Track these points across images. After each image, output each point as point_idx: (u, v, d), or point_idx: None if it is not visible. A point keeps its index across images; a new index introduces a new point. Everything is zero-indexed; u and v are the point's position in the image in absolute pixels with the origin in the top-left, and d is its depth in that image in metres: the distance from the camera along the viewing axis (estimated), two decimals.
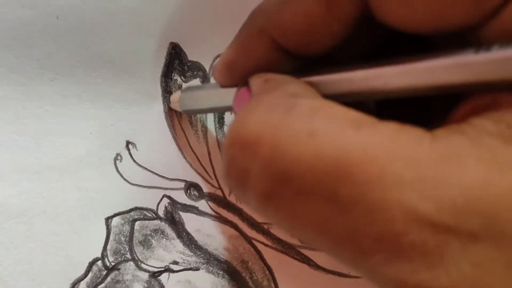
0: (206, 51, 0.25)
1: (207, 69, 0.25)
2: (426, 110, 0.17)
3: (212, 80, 0.26)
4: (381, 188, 0.11)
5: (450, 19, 0.13)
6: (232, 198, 0.25)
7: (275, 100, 0.14)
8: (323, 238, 0.13)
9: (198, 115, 0.25)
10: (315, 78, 0.16)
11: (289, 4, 0.16)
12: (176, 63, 0.25)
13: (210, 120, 0.25)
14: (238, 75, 0.18)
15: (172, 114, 0.25)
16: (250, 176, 0.13)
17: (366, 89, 0.15)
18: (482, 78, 0.13)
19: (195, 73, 0.25)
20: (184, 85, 0.25)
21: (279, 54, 0.17)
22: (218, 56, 0.25)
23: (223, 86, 0.20)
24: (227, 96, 0.19)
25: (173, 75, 0.25)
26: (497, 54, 0.12)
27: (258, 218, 0.25)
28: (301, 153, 0.12)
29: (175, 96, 0.24)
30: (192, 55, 0.25)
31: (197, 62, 0.25)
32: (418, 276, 0.11)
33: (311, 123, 0.13)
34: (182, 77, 0.25)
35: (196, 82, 0.25)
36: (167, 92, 0.25)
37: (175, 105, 0.24)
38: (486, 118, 0.12)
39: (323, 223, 0.12)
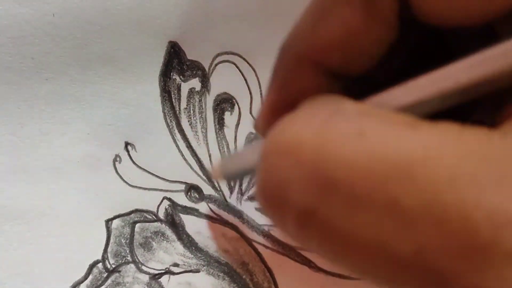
0: (205, 50, 0.25)
1: (206, 69, 0.25)
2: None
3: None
4: (454, 191, 0.09)
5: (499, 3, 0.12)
6: (232, 200, 0.25)
7: (317, 107, 0.12)
8: (380, 262, 0.10)
9: (198, 117, 0.25)
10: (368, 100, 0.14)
11: (323, 19, 0.14)
12: (175, 62, 0.25)
13: (210, 121, 0.25)
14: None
15: (171, 114, 0.25)
16: (291, 187, 0.11)
17: (435, 93, 0.13)
18: None
19: (194, 72, 0.25)
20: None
21: (325, 79, 0.15)
22: (217, 55, 0.25)
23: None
24: None
25: (172, 74, 0.25)
26: None
27: (259, 220, 0.25)
28: (350, 155, 0.10)
29: (217, 174, 0.21)
30: (191, 54, 0.25)
31: (196, 61, 0.25)
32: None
33: (360, 123, 0.11)
34: (181, 76, 0.25)
35: (195, 81, 0.25)
36: (165, 91, 0.25)
37: (217, 176, 0.22)
38: None
39: (381, 243, 0.10)
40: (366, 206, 0.10)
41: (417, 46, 0.16)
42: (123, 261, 0.24)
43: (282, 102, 0.16)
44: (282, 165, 0.12)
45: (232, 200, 0.25)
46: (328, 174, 0.11)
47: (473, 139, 0.10)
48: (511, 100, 0.12)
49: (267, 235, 0.25)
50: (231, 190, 0.25)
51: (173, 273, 0.24)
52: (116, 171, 0.24)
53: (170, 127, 0.25)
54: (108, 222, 0.24)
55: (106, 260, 0.24)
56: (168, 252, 0.24)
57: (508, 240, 0.09)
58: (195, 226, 0.25)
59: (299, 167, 0.11)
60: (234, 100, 0.25)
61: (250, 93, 0.25)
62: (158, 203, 0.25)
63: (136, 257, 0.24)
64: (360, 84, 0.16)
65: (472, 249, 0.09)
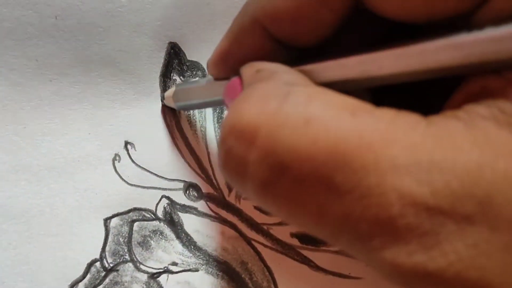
0: (205, 51, 0.25)
1: (206, 69, 0.25)
2: (423, 101, 0.17)
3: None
4: (376, 173, 0.12)
5: (443, 6, 0.14)
6: (231, 199, 0.25)
7: (269, 89, 0.14)
8: (321, 225, 0.13)
9: (197, 116, 0.25)
10: (308, 67, 0.16)
11: None
12: (175, 63, 0.25)
13: (209, 120, 0.25)
14: (231, 66, 0.18)
15: (170, 114, 0.25)
16: (248, 166, 0.13)
17: (360, 75, 0.15)
18: (476, 58, 0.13)
19: (194, 72, 0.25)
20: (177, 82, 0.25)
21: (272, 44, 0.17)
22: None
23: (216, 78, 0.20)
24: (220, 89, 0.19)
25: (172, 75, 0.25)
26: (490, 32, 0.12)
27: (258, 218, 0.25)
28: (297, 142, 0.12)
29: (169, 93, 0.24)
30: (191, 55, 0.25)
31: (196, 62, 0.25)
32: (414, 258, 0.11)
33: (307, 111, 0.13)
34: (181, 77, 0.25)
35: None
36: (165, 91, 0.25)
37: (169, 102, 0.25)
38: (479, 103, 0.12)
39: (320, 210, 0.12)
40: (309, 183, 0.12)
41: (369, 29, 0.18)
42: (121, 260, 0.24)
43: (231, 52, 0.18)
44: (240, 148, 0.13)
45: (231, 198, 0.25)
46: (279, 158, 0.13)
47: (401, 126, 0.12)
48: (456, 93, 0.14)
49: (266, 234, 0.25)
50: (230, 188, 0.25)
51: (172, 272, 0.24)
52: (115, 170, 0.25)
53: (170, 126, 0.25)
54: (107, 220, 0.24)
55: (104, 259, 0.24)
56: (166, 251, 0.24)
57: (409, 215, 0.11)
58: (193, 225, 0.25)
59: (255, 150, 0.13)
60: None
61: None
62: (157, 202, 0.25)
63: (135, 256, 0.24)
64: (316, 54, 0.17)
65: (385, 219, 0.11)
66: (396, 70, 0.14)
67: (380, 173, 0.11)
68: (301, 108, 0.13)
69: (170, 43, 0.25)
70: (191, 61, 0.25)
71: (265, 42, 0.17)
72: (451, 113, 0.12)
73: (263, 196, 0.14)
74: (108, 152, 0.25)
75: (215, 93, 0.20)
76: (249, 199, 0.14)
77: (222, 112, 0.26)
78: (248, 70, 0.17)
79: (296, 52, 0.18)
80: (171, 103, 0.24)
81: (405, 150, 0.12)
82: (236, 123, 0.14)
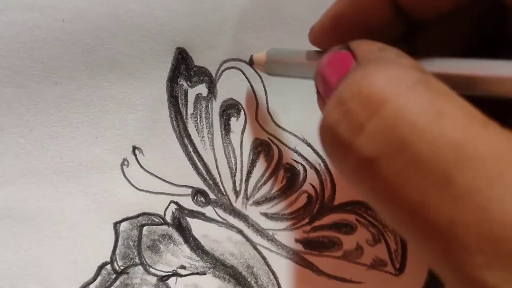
0: (213, 56, 0.26)
1: (213, 75, 0.26)
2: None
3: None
4: (501, 187, 0.11)
5: None
6: (238, 205, 0.26)
7: (400, 70, 0.13)
8: (417, 220, 0.12)
9: (204, 122, 0.26)
10: (437, 65, 0.16)
11: None
12: (183, 68, 0.25)
13: (216, 126, 0.26)
14: (342, 32, 0.17)
15: (178, 119, 0.25)
16: (362, 133, 0.13)
17: (488, 93, 0.15)
18: None
19: (201, 78, 0.26)
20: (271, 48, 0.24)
21: (392, 12, 0.17)
22: (224, 61, 0.26)
23: (320, 49, 0.18)
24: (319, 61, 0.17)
25: (179, 80, 0.25)
26: None
27: (264, 224, 0.26)
28: (426, 129, 0.12)
29: (260, 57, 0.23)
30: (198, 61, 0.26)
31: (203, 67, 0.26)
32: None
33: (440, 103, 0.12)
34: (188, 82, 0.26)
35: (202, 87, 0.26)
36: (173, 97, 0.25)
37: (259, 67, 0.24)
38: None
39: (424, 204, 0.12)
40: (423, 173, 0.12)
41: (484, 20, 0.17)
42: (131, 263, 0.25)
43: (346, 16, 0.17)
44: (362, 113, 0.13)
45: (238, 204, 0.26)
46: (402, 135, 0.12)
47: None
48: None
49: (271, 239, 0.26)
50: (237, 195, 0.26)
51: (180, 275, 0.25)
52: (124, 175, 0.25)
53: (177, 132, 0.26)
54: (116, 224, 0.25)
55: (115, 262, 0.25)
56: (175, 255, 0.25)
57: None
58: (201, 230, 0.26)
59: (378, 119, 0.13)
60: (240, 106, 0.26)
61: (256, 99, 0.26)
62: (165, 207, 0.25)
63: (144, 259, 0.25)
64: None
65: (499, 239, 0.11)
66: None
67: (505, 189, 0.11)
68: (435, 98, 0.13)
69: (178, 48, 0.25)
70: (199, 66, 0.26)
71: (385, 8, 0.16)
72: None
73: (363, 171, 0.13)
74: (116, 156, 0.25)
75: (313, 66, 0.18)
76: (341, 168, 0.14)
77: (229, 119, 0.26)
78: (367, 46, 0.16)
79: (409, 27, 0.17)
80: (261, 69, 0.24)
81: None
82: (364, 87, 0.13)
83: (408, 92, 0.13)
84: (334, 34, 0.18)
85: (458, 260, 0.11)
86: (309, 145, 0.27)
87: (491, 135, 0.12)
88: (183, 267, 0.25)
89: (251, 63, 0.25)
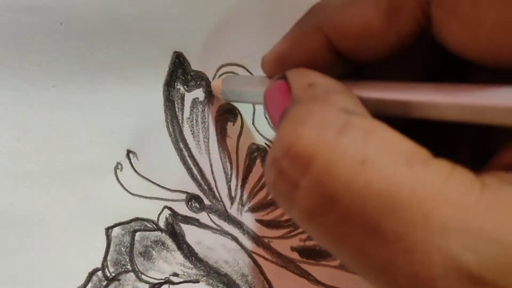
0: (210, 61, 0.26)
1: (210, 79, 0.26)
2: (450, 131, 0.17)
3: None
4: (424, 230, 0.12)
5: None
6: (233, 211, 0.26)
7: (326, 116, 0.14)
8: (360, 264, 0.13)
9: (200, 127, 0.26)
10: (366, 93, 0.16)
11: (350, 7, 0.16)
12: (180, 72, 0.25)
13: (212, 131, 0.26)
14: (286, 67, 0.18)
15: (174, 123, 0.25)
16: (298, 190, 0.14)
17: (419, 115, 0.15)
18: None
19: (198, 82, 0.26)
20: (226, 75, 0.25)
21: (332, 55, 0.17)
22: (221, 66, 0.26)
23: (268, 77, 0.20)
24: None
25: (176, 84, 0.25)
26: None
27: (259, 232, 0.26)
28: (351, 180, 0.13)
29: (217, 82, 0.24)
30: (195, 65, 0.26)
31: (200, 71, 0.26)
32: None
33: (365, 150, 0.13)
34: (185, 86, 0.25)
35: (199, 92, 0.26)
36: (169, 101, 0.25)
37: (216, 92, 0.25)
38: None
39: (362, 250, 0.13)
40: (355, 222, 0.13)
41: (429, 57, 0.18)
42: (122, 270, 0.24)
43: (289, 54, 0.19)
44: (293, 171, 0.14)
45: (233, 211, 0.26)
46: (331, 191, 0.13)
47: (456, 186, 0.12)
48: (500, 147, 0.14)
49: (267, 247, 0.25)
50: (232, 201, 0.26)
51: (173, 283, 0.25)
52: (117, 179, 0.25)
53: (173, 136, 0.25)
54: (108, 230, 0.24)
55: (106, 268, 0.24)
56: (168, 262, 0.25)
57: (451, 280, 0.11)
58: (195, 236, 0.25)
59: (308, 177, 0.13)
60: (236, 111, 0.26)
61: (253, 104, 0.26)
62: (159, 212, 0.25)
63: (136, 266, 0.24)
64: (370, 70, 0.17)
65: (426, 278, 0.12)
66: (458, 119, 0.14)
67: (428, 231, 0.12)
68: (358, 145, 0.13)
69: (175, 52, 0.25)
70: (196, 71, 0.25)
71: (325, 52, 0.17)
72: (506, 176, 0.13)
73: (308, 223, 0.14)
74: (110, 161, 0.25)
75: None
76: (291, 217, 0.15)
77: (225, 124, 0.26)
78: (298, 79, 0.17)
79: (353, 66, 0.18)
80: (218, 94, 0.25)
81: (457, 213, 0.12)
82: (292, 145, 0.14)
83: (333, 142, 0.13)
84: (279, 68, 0.19)
85: None
86: None
87: (416, 174, 0.12)
88: (176, 274, 0.25)
89: (209, 88, 0.26)
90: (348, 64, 0.18)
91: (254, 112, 0.26)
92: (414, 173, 0.12)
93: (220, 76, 0.26)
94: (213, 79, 0.26)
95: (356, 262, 0.13)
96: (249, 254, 0.25)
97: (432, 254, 0.12)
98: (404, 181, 0.12)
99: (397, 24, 0.16)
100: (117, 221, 0.25)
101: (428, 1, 0.15)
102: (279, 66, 0.19)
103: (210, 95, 0.26)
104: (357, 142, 0.13)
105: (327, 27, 0.17)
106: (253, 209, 0.26)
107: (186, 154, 0.25)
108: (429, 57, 0.18)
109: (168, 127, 0.25)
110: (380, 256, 0.12)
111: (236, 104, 0.26)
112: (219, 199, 0.26)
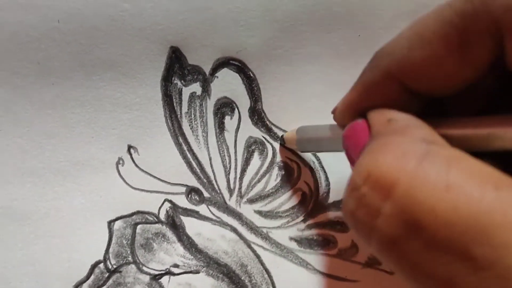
0: (206, 55, 0.26)
1: (207, 73, 0.26)
2: None
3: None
4: None
5: None
6: (232, 203, 0.26)
7: (407, 145, 0.14)
8: None
9: (199, 121, 0.26)
10: (444, 129, 0.16)
11: (419, 48, 0.16)
12: (176, 67, 0.26)
13: (210, 125, 0.26)
14: (359, 115, 0.19)
15: (173, 118, 0.26)
16: (379, 217, 0.13)
17: (500, 147, 0.15)
18: None
19: (195, 77, 0.26)
20: (299, 126, 0.25)
21: (405, 96, 0.17)
22: (218, 59, 0.26)
23: (341, 126, 0.20)
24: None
25: (173, 79, 0.26)
26: None
27: (258, 222, 0.26)
28: (437, 205, 0.12)
29: (291, 134, 0.25)
30: (192, 59, 0.26)
31: (197, 66, 0.26)
32: None
33: (448, 175, 0.13)
34: (182, 81, 0.26)
35: (196, 86, 0.26)
36: (167, 96, 0.26)
37: (290, 144, 0.26)
38: None
39: (449, 280, 0.12)
40: (443, 250, 0.12)
41: (502, 87, 0.18)
42: (124, 262, 0.25)
43: (360, 103, 0.19)
44: (374, 197, 0.14)
45: (232, 202, 0.26)
46: (415, 217, 0.13)
47: None
48: None
49: (265, 237, 0.26)
50: (231, 193, 0.26)
51: (173, 274, 0.25)
52: (119, 174, 0.25)
53: (172, 130, 0.26)
54: (110, 223, 0.25)
55: (108, 261, 0.25)
56: (168, 253, 0.25)
57: None
58: (195, 228, 0.26)
59: (391, 203, 0.13)
60: (234, 105, 0.26)
61: (250, 97, 0.26)
62: (159, 205, 0.26)
63: (137, 257, 0.25)
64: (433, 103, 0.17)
65: None
66: None
67: None
68: (442, 171, 0.13)
69: (172, 47, 0.25)
70: (192, 65, 0.26)
71: (397, 94, 0.17)
72: None
73: (388, 251, 0.13)
74: (112, 156, 0.25)
75: (339, 139, 0.20)
76: (369, 247, 0.15)
77: (223, 117, 0.26)
78: (378, 117, 0.17)
79: (428, 101, 0.18)
80: (293, 147, 0.26)
81: None
82: (373, 171, 0.14)
83: (416, 169, 0.13)
84: (352, 116, 0.19)
85: None
86: None
87: (505, 197, 0.12)
88: (176, 265, 0.25)
89: (282, 142, 0.26)
90: (422, 100, 0.18)
91: (251, 106, 0.26)
92: (504, 198, 0.12)
93: (216, 70, 0.26)
94: (209, 74, 0.26)
95: None
96: (248, 244, 0.26)
97: None
98: (494, 205, 0.12)
99: (470, 58, 0.15)
100: (119, 215, 0.25)
101: (501, 33, 0.15)
102: (352, 116, 0.19)
103: (207, 88, 0.26)
104: (440, 169, 0.13)
105: (399, 72, 0.17)
106: (251, 201, 0.26)
107: (185, 148, 0.26)
108: (500, 85, 0.18)
109: (167, 122, 0.26)
110: (472, 284, 0.12)
111: (233, 98, 0.26)
112: (218, 191, 0.26)
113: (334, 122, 0.21)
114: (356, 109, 0.19)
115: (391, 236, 0.13)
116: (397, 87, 0.17)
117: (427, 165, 0.13)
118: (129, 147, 0.26)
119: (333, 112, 0.21)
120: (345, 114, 0.19)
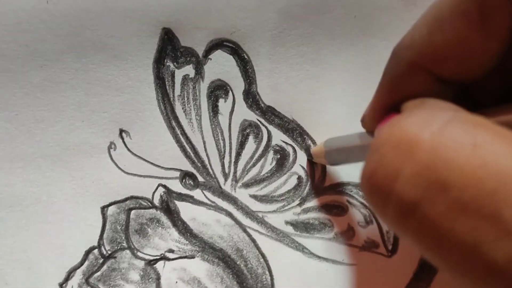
0: (199, 37, 0.25)
1: (200, 55, 0.25)
2: None
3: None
4: None
5: None
6: (227, 187, 0.26)
7: (433, 111, 0.13)
8: (473, 263, 0.12)
9: (192, 104, 0.26)
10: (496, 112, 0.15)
11: (440, 31, 0.16)
12: (169, 49, 0.25)
13: (204, 108, 0.26)
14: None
15: (165, 101, 0.25)
16: (400, 178, 0.13)
17: None
18: None
19: (188, 59, 0.25)
20: (326, 139, 0.25)
21: (436, 85, 0.17)
22: (211, 41, 0.25)
23: (372, 133, 0.20)
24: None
25: (165, 61, 0.25)
26: None
27: (253, 207, 0.26)
28: (463, 163, 0.12)
29: (319, 147, 0.25)
30: (185, 41, 0.25)
31: (190, 48, 0.25)
32: None
33: (475, 135, 0.12)
34: (174, 63, 0.25)
35: (189, 68, 0.25)
36: (159, 78, 0.25)
37: (319, 157, 0.25)
38: None
39: (475, 247, 0.11)
40: (470, 212, 0.11)
41: None
42: (118, 247, 0.25)
43: (390, 103, 0.18)
44: (396, 158, 0.13)
45: (227, 187, 0.26)
46: (440, 176, 0.12)
47: None
48: None
49: (261, 222, 0.26)
50: (226, 177, 0.26)
51: (168, 259, 0.25)
52: (111, 158, 0.25)
53: (164, 114, 0.25)
54: (104, 208, 0.25)
55: (102, 246, 0.25)
56: (163, 238, 0.25)
57: None
58: (190, 213, 0.25)
59: (413, 163, 0.12)
60: (228, 87, 0.26)
61: (244, 80, 0.26)
62: (153, 190, 0.25)
63: (132, 243, 0.25)
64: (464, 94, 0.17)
65: None
66: None
67: None
68: (468, 130, 0.12)
69: (164, 28, 0.25)
70: (185, 47, 0.25)
71: (427, 85, 0.17)
72: None
73: (406, 218, 0.13)
74: (103, 140, 0.25)
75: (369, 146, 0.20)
76: (384, 218, 0.14)
77: (217, 100, 0.26)
78: (410, 103, 0.17)
79: (458, 89, 0.17)
80: (322, 162, 0.25)
81: None
82: (395, 132, 0.13)
83: (441, 130, 0.12)
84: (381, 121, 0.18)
85: None
86: (298, 125, 0.26)
87: None
88: (171, 250, 0.25)
89: (310, 156, 0.26)
90: (453, 88, 0.17)
91: (245, 88, 0.26)
92: None
93: (209, 52, 0.25)
94: (202, 56, 0.25)
95: (466, 261, 0.12)
96: (244, 229, 0.26)
97: None
98: None
99: (494, 30, 0.15)
100: (112, 200, 0.25)
101: None
102: (382, 118, 0.18)
103: (201, 71, 0.26)
104: (466, 129, 0.12)
105: (424, 60, 0.16)
106: (246, 185, 0.26)
107: (178, 132, 0.25)
108: None
109: (159, 105, 0.25)
110: (502, 252, 0.11)
111: (227, 81, 0.26)
112: (213, 175, 0.26)
113: (359, 130, 0.21)
114: (385, 111, 0.18)
115: (411, 200, 0.12)
116: (426, 77, 0.17)
117: (453, 126, 0.12)
118: (121, 131, 0.25)
119: (362, 120, 0.20)
120: (375, 118, 0.19)
